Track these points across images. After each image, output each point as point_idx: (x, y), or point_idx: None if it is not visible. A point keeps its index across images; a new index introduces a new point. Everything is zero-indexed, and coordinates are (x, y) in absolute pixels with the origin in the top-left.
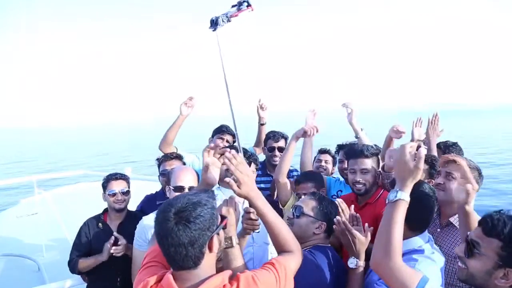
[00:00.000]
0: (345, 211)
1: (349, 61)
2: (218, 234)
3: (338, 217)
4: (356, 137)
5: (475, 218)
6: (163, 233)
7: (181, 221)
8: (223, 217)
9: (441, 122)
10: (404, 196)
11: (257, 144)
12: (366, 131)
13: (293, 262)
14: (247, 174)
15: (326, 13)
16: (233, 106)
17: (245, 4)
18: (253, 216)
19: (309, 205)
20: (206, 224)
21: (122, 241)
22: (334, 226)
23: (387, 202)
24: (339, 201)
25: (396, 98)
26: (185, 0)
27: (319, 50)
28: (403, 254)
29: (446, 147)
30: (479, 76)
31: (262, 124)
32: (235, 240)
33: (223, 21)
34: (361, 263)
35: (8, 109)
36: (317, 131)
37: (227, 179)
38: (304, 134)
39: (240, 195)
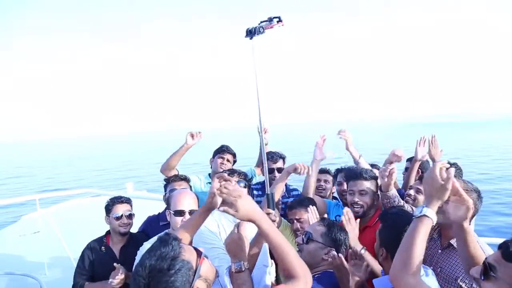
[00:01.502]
0: (351, 221)
1: (350, 74)
2: (200, 276)
3: (333, 252)
4: (355, 163)
5: (474, 236)
6: None
7: None
8: (199, 252)
9: (453, 133)
10: (429, 213)
11: (258, 164)
12: (364, 157)
13: None
14: (241, 196)
15: (325, 25)
16: (261, 116)
17: (276, 20)
18: (272, 217)
19: (318, 231)
20: (180, 287)
21: (122, 271)
22: (329, 259)
23: (413, 217)
24: (346, 210)
25: (402, 110)
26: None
27: (320, 63)
28: None
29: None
30: (488, 85)
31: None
32: (244, 265)
33: (259, 31)
34: None
35: (6, 123)
36: (307, 170)
37: (221, 208)
38: (295, 170)
39: (241, 219)
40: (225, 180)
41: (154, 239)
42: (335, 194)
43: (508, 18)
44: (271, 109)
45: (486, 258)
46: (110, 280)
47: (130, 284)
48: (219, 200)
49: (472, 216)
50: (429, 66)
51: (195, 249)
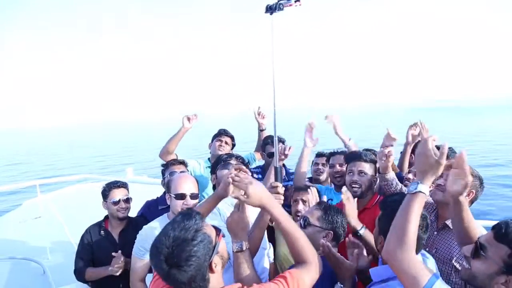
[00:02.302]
0: (350, 199)
1: (349, 59)
2: (217, 252)
3: (322, 240)
4: (346, 147)
5: (469, 212)
6: (162, 276)
7: (174, 267)
8: (218, 230)
9: (449, 119)
10: (423, 189)
11: (258, 149)
12: (354, 140)
13: (307, 275)
14: (251, 183)
15: (329, 11)
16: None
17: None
18: (279, 190)
19: (314, 215)
20: (201, 258)
21: (122, 259)
22: (320, 249)
23: (406, 193)
24: (345, 189)
25: (401, 96)
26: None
27: (318, 50)
28: (374, 284)
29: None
30: (487, 71)
31: (262, 130)
32: (245, 245)
33: (279, 7)
34: None
35: (5, 111)
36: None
37: (233, 195)
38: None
39: (253, 205)
40: (240, 170)
41: (153, 222)
42: None
43: (507, 5)
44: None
45: (478, 238)
46: (110, 268)
47: (150, 256)
48: (231, 188)
49: (472, 202)
50: (429, 52)
51: (214, 227)
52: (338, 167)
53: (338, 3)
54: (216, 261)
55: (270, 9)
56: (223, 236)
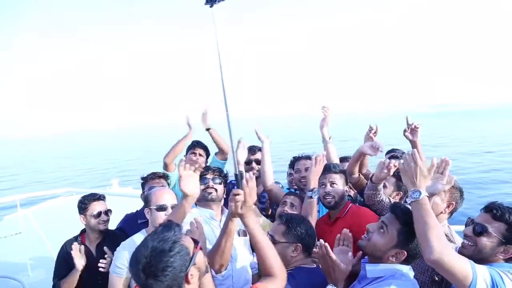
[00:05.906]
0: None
1: (344, 63)
2: (194, 263)
3: (321, 240)
4: (323, 142)
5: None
6: (140, 285)
7: (150, 276)
8: (196, 242)
9: (442, 123)
10: (426, 193)
11: (219, 151)
12: (334, 140)
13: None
14: (254, 200)
15: (319, 16)
16: (226, 103)
17: None
18: (240, 197)
19: (279, 231)
20: (177, 269)
21: (109, 254)
22: (314, 249)
23: (410, 202)
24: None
25: (390, 100)
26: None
27: (313, 54)
28: (371, 282)
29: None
30: (478, 75)
31: (208, 129)
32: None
33: None
34: None
35: None
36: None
37: (237, 198)
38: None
39: (236, 214)
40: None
41: (130, 239)
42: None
43: (500, 7)
44: (253, 101)
45: (473, 220)
46: (99, 265)
47: (129, 265)
48: (193, 185)
49: (451, 213)
50: (414, 56)
51: (192, 238)
52: (304, 172)
53: (334, 5)
54: (193, 273)
55: (210, 1)
56: (201, 248)
